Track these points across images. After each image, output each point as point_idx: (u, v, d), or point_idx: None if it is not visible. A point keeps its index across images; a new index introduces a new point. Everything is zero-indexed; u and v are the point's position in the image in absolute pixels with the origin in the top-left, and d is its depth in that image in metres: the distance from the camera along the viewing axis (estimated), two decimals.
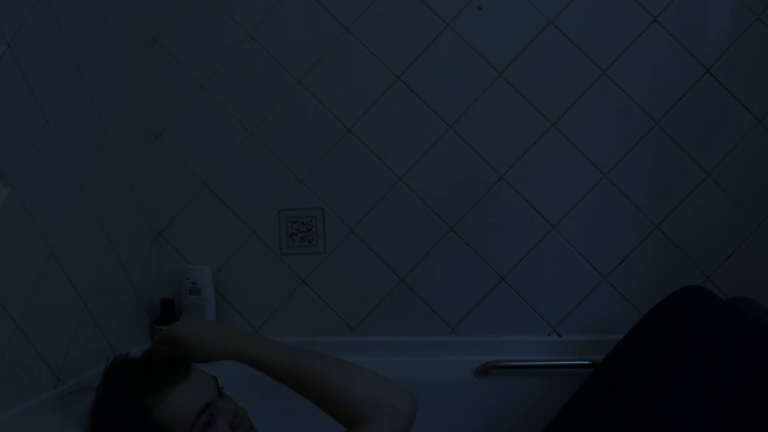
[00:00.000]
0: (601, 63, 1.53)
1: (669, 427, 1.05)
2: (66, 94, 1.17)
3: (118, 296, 1.41)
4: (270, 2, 1.57)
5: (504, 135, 1.56)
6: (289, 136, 1.59)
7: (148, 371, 1.05)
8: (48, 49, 1.12)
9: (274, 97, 1.59)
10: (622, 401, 1.16)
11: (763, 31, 1.50)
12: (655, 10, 1.51)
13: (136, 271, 1.49)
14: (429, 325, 1.59)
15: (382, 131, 1.58)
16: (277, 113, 1.59)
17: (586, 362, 1.49)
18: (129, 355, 1.13)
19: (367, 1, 1.56)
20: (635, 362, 1.28)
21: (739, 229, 1.53)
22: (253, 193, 1.61)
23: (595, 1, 1.52)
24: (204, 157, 1.61)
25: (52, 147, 1.13)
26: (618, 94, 1.53)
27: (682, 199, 1.54)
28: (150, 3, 1.57)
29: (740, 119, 1.51)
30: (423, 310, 1.60)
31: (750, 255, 1.53)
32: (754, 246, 1.53)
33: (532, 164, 1.56)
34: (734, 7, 1.51)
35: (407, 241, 1.59)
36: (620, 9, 1.52)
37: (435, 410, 1.43)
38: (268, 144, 1.60)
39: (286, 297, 1.62)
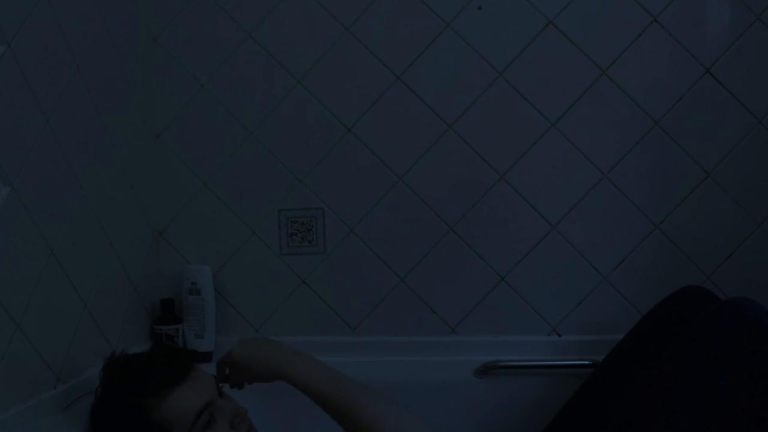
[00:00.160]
0: (601, 63, 1.53)
1: (669, 427, 1.05)
2: (66, 94, 1.17)
3: (118, 296, 1.41)
4: (270, 2, 1.57)
5: (504, 135, 1.56)
6: (289, 136, 1.60)
7: (148, 371, 1.05)
8: (48, 49, 1.12)
9: (274, 97, 1.59)
10: (622, 401, 1.15)
11: (763, 31, 1.50)
12: (655, 10, 1.51)
13: (136, 271, 1.49)
14: (429, 325, 1.59)
15: (382, 131, 1.58)
16: (277, 113, 1.59)
17: (586, 362, 1.49)
18: (126, 353, 1.13)
19: (367, 1, 1.56)
20: (635, 362, 1.28)
21: (739, 229, 1.53)
22: (253, 193, 1.61)
23: (595, 1, 1.53)
24: (204, 157, 1.61)
25: (52, 147, 1.13)
26: (618, 94, 1.53)
27: (682, 199, 1.54)
28: (150, 3, 1.57)
29: (740, 119, 1.51)
30: (423, 310, 1.60)
31: (750, 255, 1.53)
32: (754, 246, 1.53)
33: (532, 164, 1.56)
34: (734, 7, 1.51)
35: (407, 241, 1.59)
36: (620, 9, 1.52)
37: (435, 410, 1.43)
38: (268, 144, 1.60)
39: (286, 297, 1.62)
